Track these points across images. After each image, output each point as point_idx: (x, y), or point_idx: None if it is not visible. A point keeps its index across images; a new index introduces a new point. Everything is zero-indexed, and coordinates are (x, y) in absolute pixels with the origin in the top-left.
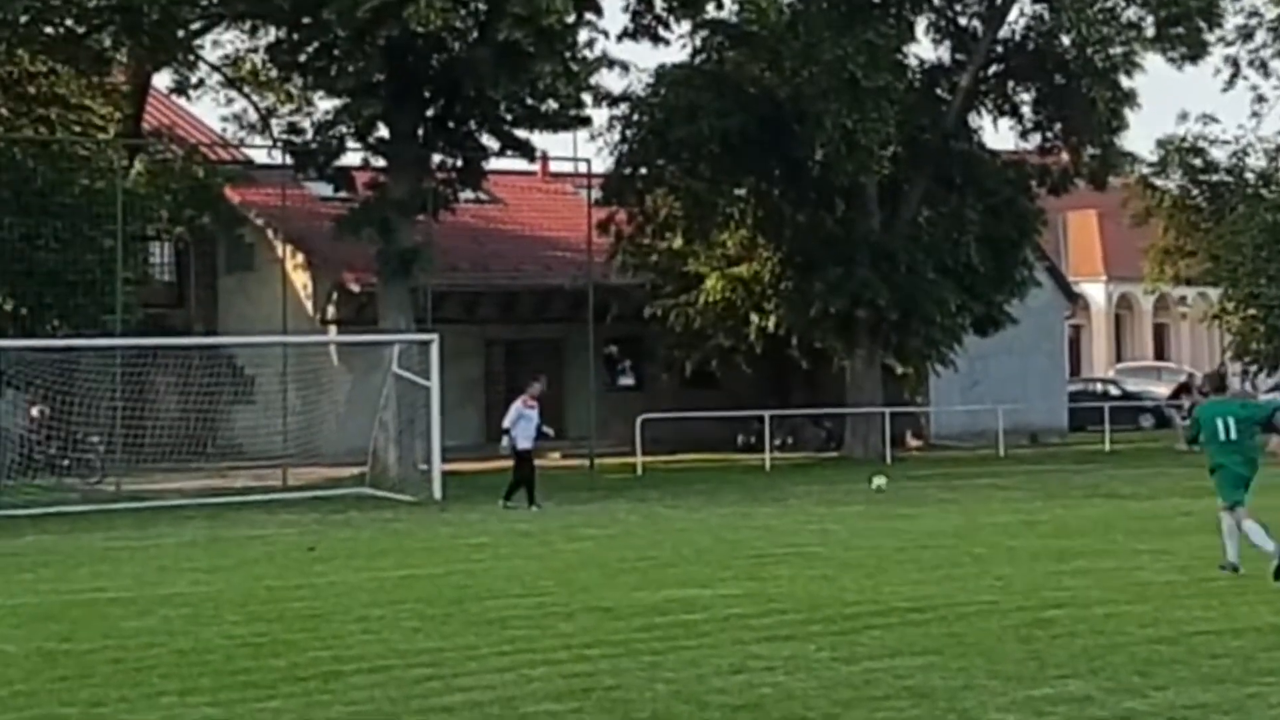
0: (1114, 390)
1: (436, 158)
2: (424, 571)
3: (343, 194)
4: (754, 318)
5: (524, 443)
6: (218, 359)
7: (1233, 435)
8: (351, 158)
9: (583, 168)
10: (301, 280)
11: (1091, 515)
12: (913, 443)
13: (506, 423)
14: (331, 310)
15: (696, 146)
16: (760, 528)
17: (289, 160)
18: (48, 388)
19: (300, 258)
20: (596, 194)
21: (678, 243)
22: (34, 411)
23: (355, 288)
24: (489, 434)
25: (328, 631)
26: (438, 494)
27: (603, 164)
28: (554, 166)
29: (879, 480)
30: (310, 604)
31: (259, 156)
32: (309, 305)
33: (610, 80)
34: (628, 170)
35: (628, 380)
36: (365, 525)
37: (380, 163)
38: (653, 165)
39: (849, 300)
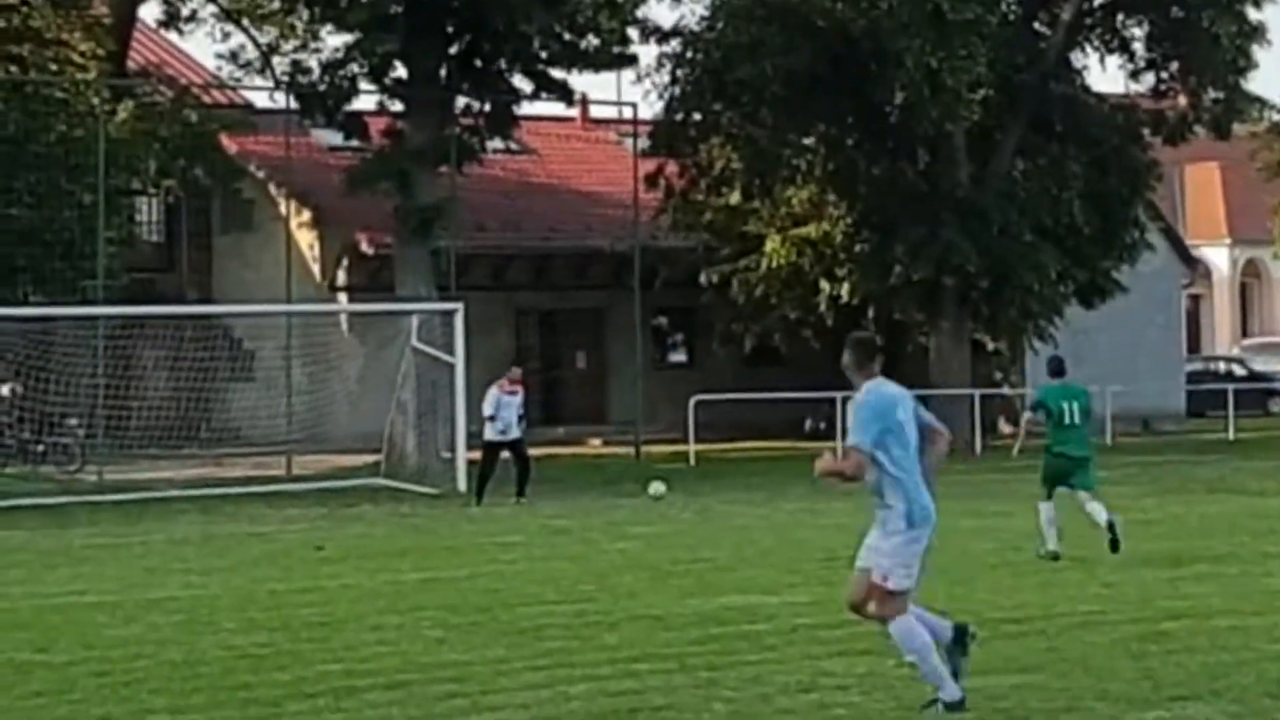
0: (1239, 370)
1: (461, 101)
2: (447, 574)
3: (354, 143)
4: (824, 285)
5: (514, 431)
6: (213, 331)
7: (1076, 420)
8: (365, 101)
9: (628, 113)
10: (307, 241)
11: (1213, 514)
12: (1006, 429)
13: (487, 410)
14: (342, 275)
15: (758, 89)
16: (832, 526)
17: (294, 104)
18: (19, 363)
19: (306, 215)
20: (644, 143)
21: (736, 199)
22: (4, 390)
23: (369, 250)
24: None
25: (339, 642)
26: (462, 485)
27: (650, 109)
28: (595, 112)
29: (657, 486)
30: (319, 610)
31: (259, 100)
32: (316, 270)
33: (659, 13)
34: (679, 116)
35: (679, 356)
36: (380, 521)
37: (397, 107)
38: (708, 110)
39: (933, 265)
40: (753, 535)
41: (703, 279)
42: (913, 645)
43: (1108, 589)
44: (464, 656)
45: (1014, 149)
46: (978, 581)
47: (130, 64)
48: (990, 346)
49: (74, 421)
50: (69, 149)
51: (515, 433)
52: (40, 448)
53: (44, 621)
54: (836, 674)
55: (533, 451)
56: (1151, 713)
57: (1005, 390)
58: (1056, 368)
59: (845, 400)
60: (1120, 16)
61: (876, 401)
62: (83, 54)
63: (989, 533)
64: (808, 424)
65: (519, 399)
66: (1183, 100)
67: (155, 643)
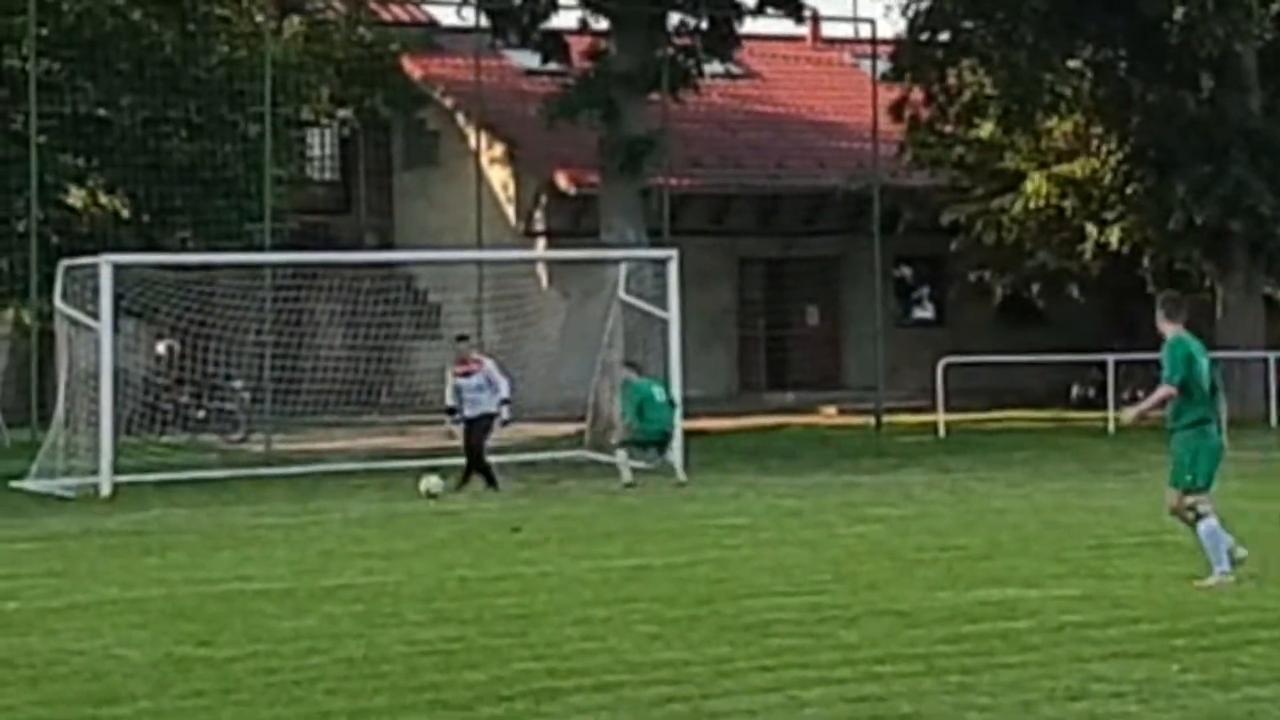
0: None
1: (675, 18)
2: (662, 561)
3: (554, 66)
4: (1091, 230)
5: (484, 406)
6: (394, 281)
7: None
8: (565, 18)
9: (866, 31)
10: (500, 179)
11: None
12: None
13: (449, 401)
14: (539, 218)
15: (1016, 3)
16: (1103, 509)
17: (485, 21)
18: (177, 317)
19: (499, 150)
20: (884, 66)
21: (989, 131)
22: (160, 348)
23: (570, 189)
24: (744, 381)
25: (538, 637)
26: (678, 460)
27: (892, 26)
28: (828, 30)
29: (431, 481)
30: (515, 601)
31: (446, 16)
32: (510, 212)
33: None
34: (925, 35)
35: (925, 312)
36: (585, 499)
37: (602, 24)
38: (958, 28)
39: (1219, 208)
40: (1011, 519)
41: (943, 219)
42: None
43: None
44: (681, 655)
45: None
46: (1274, 573)
47: None
48: None
49: (238, 384)
50: (231, 74)
51: (485, 407)
52: (201, 414)
53: (206, 611)
54: (1110, 679)
55: (758, 420)
56: None
57: None
58: (630, 361)
59: (1119, 364)
60: None
61: None
62: None
63: None
64: (1075, 391)
65: (482, 375)
66: None
67: (331, 637)
